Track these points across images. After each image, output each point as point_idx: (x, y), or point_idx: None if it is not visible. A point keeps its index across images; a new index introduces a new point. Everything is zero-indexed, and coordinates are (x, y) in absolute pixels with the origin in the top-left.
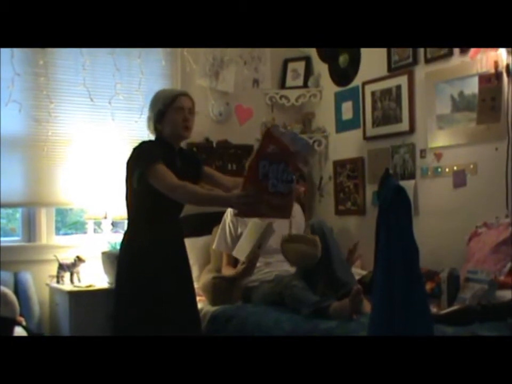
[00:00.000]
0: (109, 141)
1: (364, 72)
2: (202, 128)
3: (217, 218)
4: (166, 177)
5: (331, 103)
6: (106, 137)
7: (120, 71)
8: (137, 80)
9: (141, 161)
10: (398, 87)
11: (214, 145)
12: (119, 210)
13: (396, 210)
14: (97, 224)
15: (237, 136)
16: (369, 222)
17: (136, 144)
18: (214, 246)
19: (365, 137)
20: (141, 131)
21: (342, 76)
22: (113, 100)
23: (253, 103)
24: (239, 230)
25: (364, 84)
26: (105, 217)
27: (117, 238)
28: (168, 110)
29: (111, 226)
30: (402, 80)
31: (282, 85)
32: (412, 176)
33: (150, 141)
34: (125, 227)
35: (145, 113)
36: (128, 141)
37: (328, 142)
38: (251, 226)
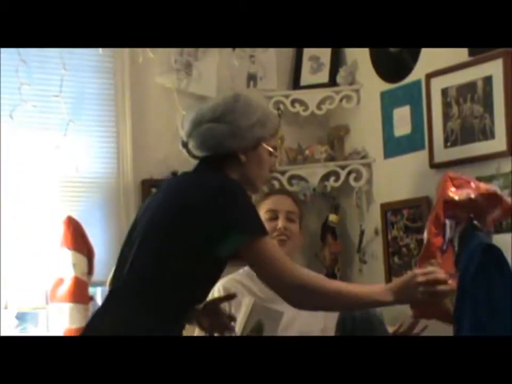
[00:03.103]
0: (8, 182)
1: (428, 59)
2: (166, 155)
3: None
4: (286, 261)
5: (375, 110)
6: (4, 176)
7: (27, 63)
8: (57, 79)
9: (245, 223)
10: (487, 80)
11: None
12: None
13: (486, 281)
14: None
15: None
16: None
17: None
18: None
19: (433, 164)
20: (68, 165)
21: (394, 66)
22: (16, 112)
23: None
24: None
25: (429, 76)
26: (6, 308)
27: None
28: (266, 144)
29: (15, 321)
30: (495, 68)
31: (296, 84)
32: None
33: (236, 182)
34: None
35: (72, 132)
36: (45, 182)
37: (373, 173)
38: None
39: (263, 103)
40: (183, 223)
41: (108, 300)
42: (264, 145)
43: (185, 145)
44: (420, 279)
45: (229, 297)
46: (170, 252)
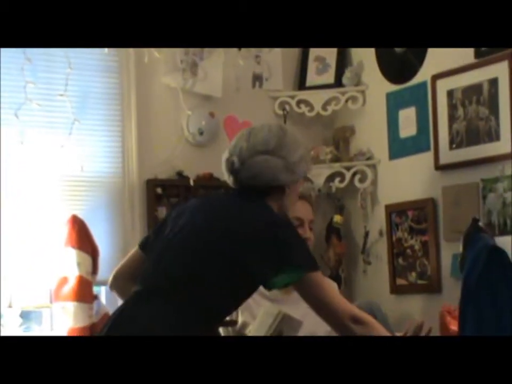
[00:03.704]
0: (13, 181)
1: (434, 60)
2: (171, 155)
3: None
4: (336, 293)
5: (381, 111)
6: (9, 172)
7: (32, 62)
8: (62, 78)
9: (300, 258)
10: (493, 82)
11: (192, 182)
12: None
13: (491, 285)
14: None
15: None
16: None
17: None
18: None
19: (438, 166)
20: (73, 164)
21: (399, 67)
22: (22, 111)
23: (254, 113)
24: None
25: (435, 78)
26: (10, 306)
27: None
28: (306, 176)
29: (19, 320)
30: (501, 70)
31: (301, 84)
32: None
33: (287, 216)
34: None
35: (77, 131)
36: (49, 179)
37: (377, 174)
38: (262, 315)
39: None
40: (232, 250)
41: (142, 298)
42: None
43: (235, 171)
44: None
45: (232, 323)
46: (215, 273)
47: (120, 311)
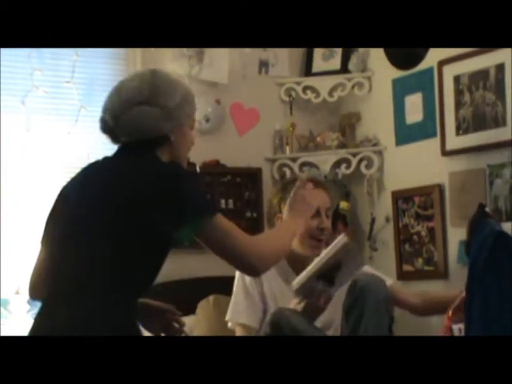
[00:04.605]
0: (20, 164)
1: None
2: None
3: (205, 288)
4: (241, 233)
5: (387, 97)
6: (16, 158)
7: (39, 49)
8: (69, 65)
9: (199, 205)
10: (500, 68)
11: (198, 169)
12: None
13: (497, 270)
14: (4, 304)
15: (235, 155)
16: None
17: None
18: (227, 317)
19: (445, 152)
20: (79, 151)
21: (405, 53)
22: (28, 98)
23: (260, 99)
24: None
25: (442, 63)
26: (18, 293)
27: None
28: (192, 117)
29: (27, 306)
30: (507, 56)
31: (307, 70)
32: None
33: (178, 164)
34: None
35: (83, 118)
36: (56, 167)
37: (384, 161)
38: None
39: (178, 76)
40: (133, 215)
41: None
42: (188, 121)
43: (110, 129)
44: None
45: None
46: (125, 243)
47: (39, 316)
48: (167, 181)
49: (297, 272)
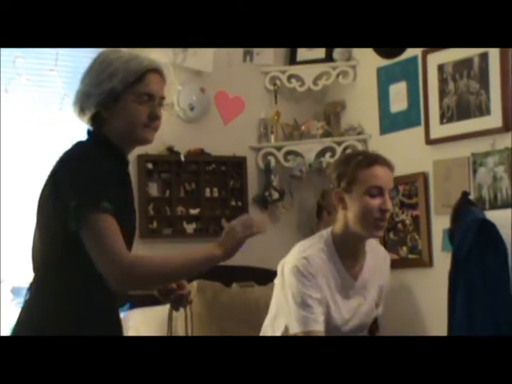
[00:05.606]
0: (2, 156)
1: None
2: (161, 130)
3: None
4: (114, 242)
5: (372, 86)
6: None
7: None
8: (52, 52)
9: (79, 192)
10: (483, 57)
11: (182, 158)
12: (25, 272)
13: (480, 258)
14: None
15: (219, 143)
16: (438, 279)
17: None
18: (297, 329)
19: (429, 141)
20: (61, 139)
21: None
22: (11, 85)
23: (245, 88)
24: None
25: (426, 52)
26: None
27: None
28: (127, 93)
29: (10, 296)
30: None
31: (292, 59)
32: (507, 203)
33: (87, 145)
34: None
35: (68, 106)
36: (40, 155)
37: (368, 149)
38: None
39: (128, 52)
40: (53, 201)
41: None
42: (129, 94)
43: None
44: (236, 223)
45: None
46: (40, 229)
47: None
48: (57, 164)
49: (345, 255)
